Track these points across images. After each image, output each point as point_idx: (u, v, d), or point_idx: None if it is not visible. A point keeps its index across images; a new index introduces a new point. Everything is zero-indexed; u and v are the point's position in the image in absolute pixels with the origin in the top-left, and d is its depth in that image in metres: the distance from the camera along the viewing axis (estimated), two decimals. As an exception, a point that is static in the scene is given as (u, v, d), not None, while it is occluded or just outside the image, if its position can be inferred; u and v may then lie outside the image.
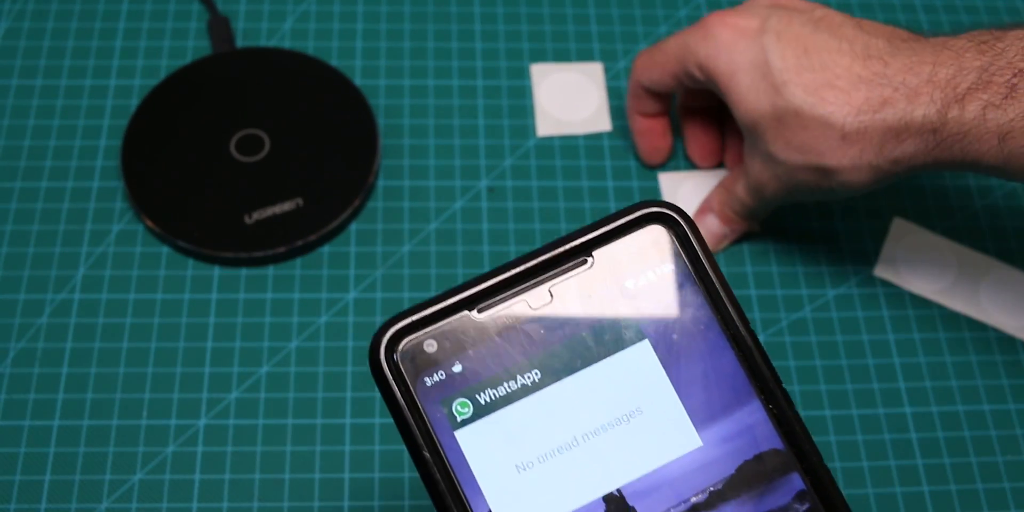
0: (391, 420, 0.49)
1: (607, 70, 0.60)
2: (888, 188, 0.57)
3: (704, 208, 0.54)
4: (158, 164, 0.54)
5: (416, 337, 0.29)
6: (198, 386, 0.50)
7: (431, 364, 0.29)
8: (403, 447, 0.49)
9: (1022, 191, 0.58)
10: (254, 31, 0.61)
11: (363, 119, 0.56)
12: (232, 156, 0.55)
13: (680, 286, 0.30)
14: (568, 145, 0.58)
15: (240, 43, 0.60)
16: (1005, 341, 0.53)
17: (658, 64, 0.52)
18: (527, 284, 0.30)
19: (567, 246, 0.30)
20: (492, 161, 0.57)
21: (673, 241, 0.30)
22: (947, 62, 0.41)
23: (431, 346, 0.29)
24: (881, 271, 0.55)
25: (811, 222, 0.56)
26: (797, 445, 0.30)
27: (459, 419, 0.29)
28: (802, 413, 0.50)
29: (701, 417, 0.30)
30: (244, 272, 0.53)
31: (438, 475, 0.28)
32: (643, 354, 0.30)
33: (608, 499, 0.29)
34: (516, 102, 0.59)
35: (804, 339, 0.52)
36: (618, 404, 0.30)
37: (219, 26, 0.60)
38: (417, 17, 0.62)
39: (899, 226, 0.56)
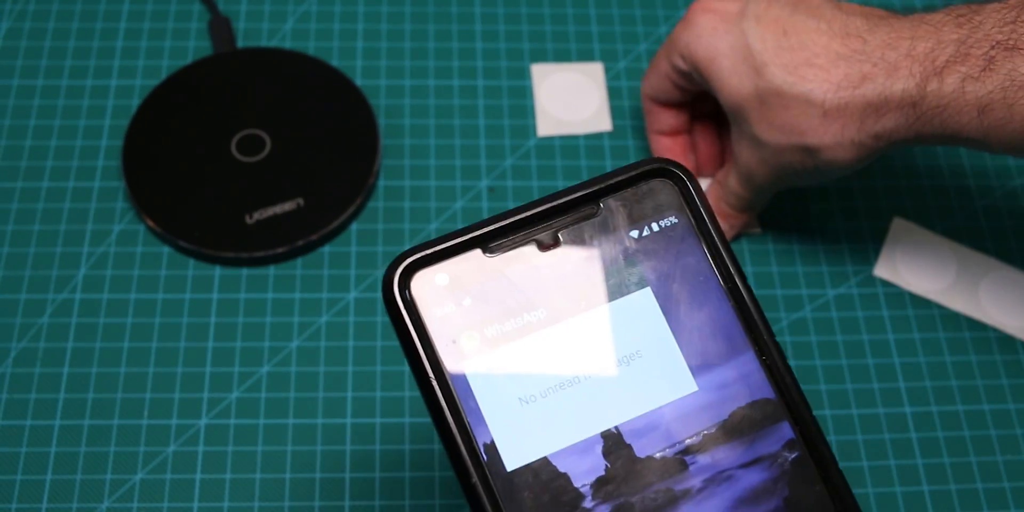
0: (391, 420, 0.49)
1: (607, 70, 0.60)
2: (888, 188, 0.57)
3: None
4: (159, 164, 0.55)
5: (429, 271, 0.30)
6: (199, 386, 0.50)
7: (442, 297, 0.30)
8: (403, 447, 0.49)
9: (1022, 191, 0.58)
10: (255, 31, 0.61)
11: (364, 119, 0.56)
12: (233, 156, 0.55)
13: (682, 239, 0.32)
14: (568, 145, 0.58)
15: (241, 43, 0.60)
16: (1005, 341, 0.53)
17: (654, 68, 0.52)
18: (537, 227, 0.31)
19: (577, 194, 0.31)
20: (493, 161, 0.57)
21: (678, 195, 0.32)
22: (925, 36, 0.42)
23: (443, 280, 0.30)
24: (881, 271, 0.55)
25: (811, 222, 0.56)
26: (788, 395, 0.31)
27: (467, 351, 0.30)
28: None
29: (697, 363, 0.31)
30: (245, 272, 0.53)
31: (444, 404, 0.29)
32: (645, 301, 0.31)
33: (606, 436, 0.30)
34: (517, 102, 0.59)
35: (804, 339, 0.53)
36: (619, 346, 0.31)
37: (220, 26, 0.60)
38: (418, 17, 0.62)
39: (899, 226, 0.56)
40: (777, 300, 0.53)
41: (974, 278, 0.54)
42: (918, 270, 0.54)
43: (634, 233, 0.32)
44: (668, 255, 0.32)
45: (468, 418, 0.30)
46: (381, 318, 0.52)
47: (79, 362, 0.51)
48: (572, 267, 0.31)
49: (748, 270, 0.54)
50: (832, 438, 0.50)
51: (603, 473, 0.30)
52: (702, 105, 0.55)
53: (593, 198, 0.31)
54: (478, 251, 0.31)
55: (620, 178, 0.31)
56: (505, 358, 0.30)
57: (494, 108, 0.59)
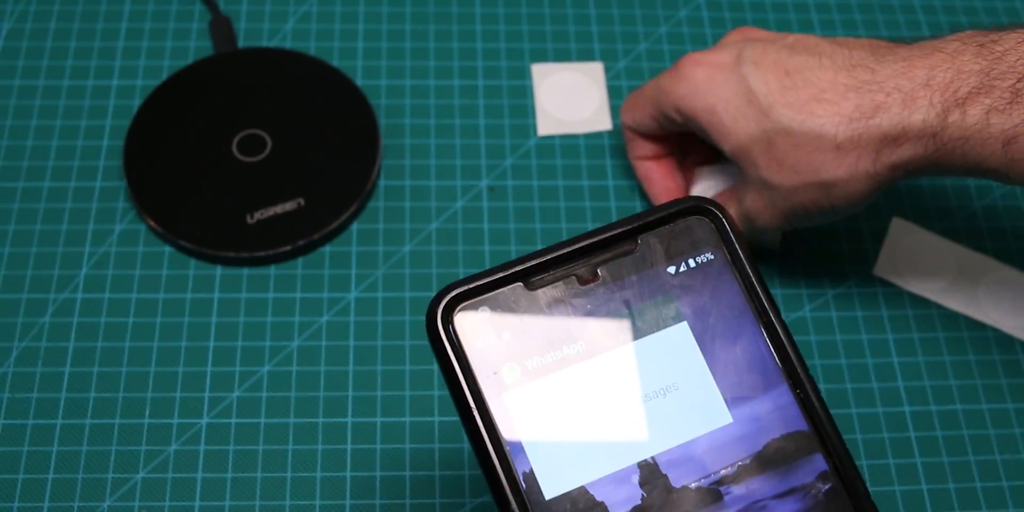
0: (392, 419, 0.50)
1: (607, 70, 0.60)
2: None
3: None
4: (160, 164, 0.55)
5: (470, 303, 0.31)
6: (200, 385, 0.50)
7: (483, 330, 0.31)
8: (403, 446, 0.49)
9: (1021, 192, 0.58)
10: (256, 31, 0.61)
11: (364, 119, 0.56)
12: (234, 156, 0.55)
13: (718, 274, 0.33)
14: (569, 144, 0.58)
15: (242, 43, 0.60)
16: (1003, 340, 0.53)
17: (638, 107, 0.52)
18: (577, 263, 0.32)
19: (616, 231, 0.32)
20: (493, 161, 0.57)
21: (714, 232, 0.33)
22: (942, 65, 0.41)
23: (484, 313, 0.31)
24: (880, 271, 0.55)
25: (811, 222, 0.56)
26: (821, 428, 0.31)
27: (507, 382, 0.31)
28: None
29: (732, 396, 0.32)
30: (246, 272, 0.53)
31: (485, 434, 0.30)
32: (681, 335, 0.32)
33: (642, 466, 0.31)
34: (517, 102, 0.59)
35: (803, 338, 0.53)
36: (656, 379, 0.32)
37: (221, 26, 0.60)
38: (418, 18, 0.62)
39: (899, 226, 0.56)
40: (776, 299, 0.54)
41: (973, 278, 0.54)
42: (917, 270, 0.55)
43: (671, 269, 0.32)
44: (704, 290, 0.32)
45: (508, 448, 0.30)
46: (381, 318, 0.52)
47: (81, 361, 0.51)
48: (610, 301, 0.32)
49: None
50: (831, 437, 0.50)
51: (639, 502, 0.31)
52: (662, 142, 0.54)
53: (632, 234, 0.32)
54: (519, 285, 0.32)
55: (658, 216, 0.32)
56: (544, 389, 0.31)
57: (494, 108, 0.59)
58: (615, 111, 0.59)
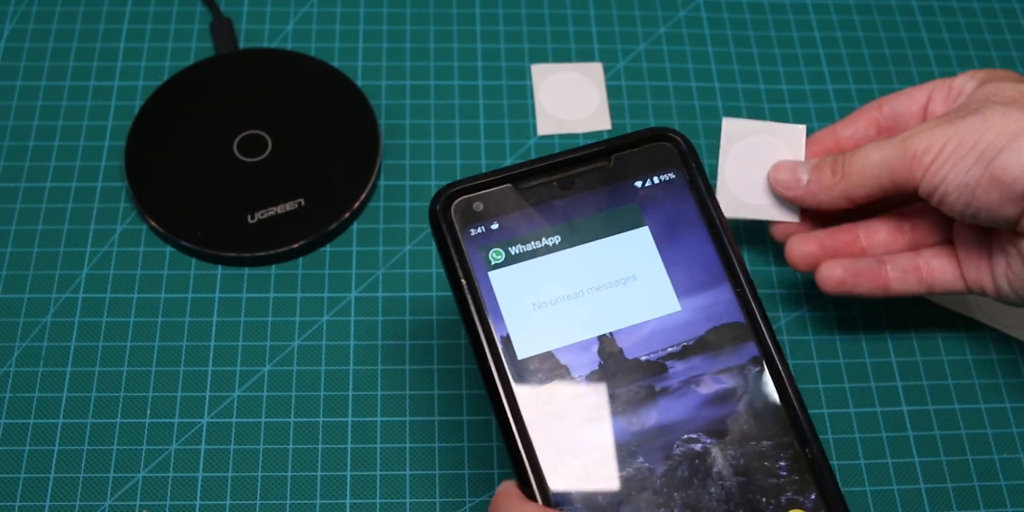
0: (392, 418, 0.50)
1: (607, 70, 0.60)
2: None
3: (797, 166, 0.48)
4: (161, 164, 0.55)
5: (467, 198, 0.38)
6: (201, 384, 0.50)
7: (476, 219, 0.37)
8: (404, 445, 0.49)
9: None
10: (257, 32, 0.61)
11: (365, 119, 0.57)
12: (235, 156, 0.55)
13: (677, 190, 0.39)
14: (568, 144, 0.58)
15: (243, 44, 0.61)
16: (1001, 340, 0.53)
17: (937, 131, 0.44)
18: (559, 172, 0.38)
19: (594, 149, 0.38)
20: (493, 161, 0.57)
21: (677, 156, 0.39)
22: None
23: (478, 206, 0.38)
24: (879, 270, 0.55)
25: (809, 222, 0.56)
26: (754, 321, 0.37)
27: (493, 263, 0.37)
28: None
29: (682, 289, 0.38)
30: (247, 271, 0.54)
31: (471, 303, 0.36)
32: (642, 236, 0.38)
33: (602, 339, 0.37)
34: (517, 102, 0.59)
35: (803, 338, 0.53)
36: (618, 270, 0.38)
37: (222, 27, 0.60)
38: (418, 18, 0.62)
39: (897, 226, 0.56)
40: (776, 299, 0.54)
41: (971, 277, 0.54)
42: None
43: (638, 183, 0.38)
44: (664, 202, 0.38)
45: (490, 316, 0.36)
46: (382, 317, 0.53)
47: (82, 361, 0.51)
48: (584, 205, 0.38)
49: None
50: (829, 436, 0.50)
51: (596, 368, 0.36)
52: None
53: (607, 153, 0.38)
54: (509, 186, 0.38)
55: (631, 139, 0.39)
56: (524, 272, 0.37)
57: (494, 108, 0.59)
58: (614, 111, 0.59)
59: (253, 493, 0.48)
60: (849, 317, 0.53)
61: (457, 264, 0.37)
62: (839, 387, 0.51)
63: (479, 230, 0.37)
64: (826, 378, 0.52)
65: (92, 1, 0.62)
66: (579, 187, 0.38)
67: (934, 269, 0.47)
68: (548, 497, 0.35)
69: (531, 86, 0.60)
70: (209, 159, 0.55)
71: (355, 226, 0.55)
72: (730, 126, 0.50)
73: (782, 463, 0.36)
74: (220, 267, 0.54)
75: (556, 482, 0.35)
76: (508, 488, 0.35)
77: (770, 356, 0.37)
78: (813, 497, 0.35)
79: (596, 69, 0.60)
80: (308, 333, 0.52)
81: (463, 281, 0.36)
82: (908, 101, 0.48)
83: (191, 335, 0.52)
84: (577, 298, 0.37)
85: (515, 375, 0.36)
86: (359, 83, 0.59)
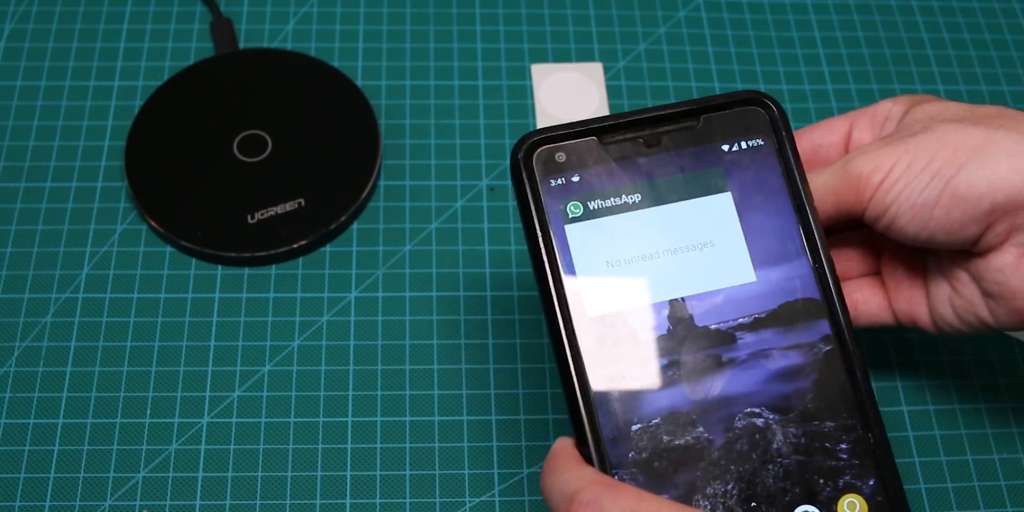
0: (392, 418, 0.50)
1: (607, 70, 0.61)
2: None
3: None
4: (161, 164, 0.55)
5: (550, 148, 0.37)
6: (201, 384, 0.51)
7: (558, 170, 0.37)
8: (405, 445, 0.49)
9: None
10: (257, 32, 0.61)
11: (365, 119, 0.57)
12: (235, 156, 0.55)
13: (765, 158, 0.37)
14: (568, 145, 0.58)
15: (243, 44, 0.61)
16: (1001, 340, 0.53)
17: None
18: (646, 128, 0.37)
19: (684, 108, 0.37)
20: (493, 160, 0.57)
21: (768, 123, 0.38)
22: None
23: (561, 157, 0.37)
24: (879, 270, 0.55)
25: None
26: (830, 299, 0.36)
27: (570, 216, 0.36)
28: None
29: (759, 260, 0.37)
30: (247, 271, 0.54)
31: (544, 254, 0.35)
32: (724, 202, 0.37)
33: (673, 303, 0.36)
34: (517, 102, 0.59)
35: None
36: (696, 234, 0.37)
37: (222, 27, 0.60)
38: (418, 18, 0.62)
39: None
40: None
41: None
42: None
43: (725, 146, 0.37)
44: (751, 169, 0.37)
45: (563, 270, 0.36)
46: (382, 317, 0.53)
47: (82, 361, 0.51)
48: (668, 165, 0.37)
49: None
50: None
51: (665, 333, 0.36)
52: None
53: (696, 113, 0.37)
54: (594, 139, 0.37)
55: (722, 101, 0.37)
56: (601, 227, 0.36)
57: (494, 108, 0.59)
58: (614, 111, 0.59)
59: (253, 493, 0.48)
60: (849, 317, 0.54)
61: (535, 215, 0.36)
62: (839, 387, 0.52)
63: (559, 181, 0.36)
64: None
65: (92, 1, 0.62)
66: (665, 146, 0.37)
67: (858, 301, 0.45)
68: (604, 459, 0.34)
69: (531, 86, 0.60)
70: (209, 159, 0.55)
71: (355, 226, 0.55)
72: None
73: (843, 446, 0.35)
74: (220, 267, 0.54)
75: (613, 443, 0.34)
76: (565, 446, 0.34)
77: (842, 335, 0.36)
78: (872, 483, 0.35)
79: (596, 69, 0.60)
80: (308, 333, 0.52)
81: (539, 233, 0.35)
82: (827, 132, 0.44)
83: (191, 335, 0.52)
84: (652, 259, 0.36)
85: (583, 333, 0.35)
86: (359, 83, 0.59)
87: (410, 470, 0.49)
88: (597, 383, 0.35)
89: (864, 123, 0.44)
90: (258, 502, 0.48)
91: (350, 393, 0.51)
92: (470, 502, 0.48)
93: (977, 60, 0.62)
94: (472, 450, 0.49)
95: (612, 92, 0.60)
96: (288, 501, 0.48)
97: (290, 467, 0.49)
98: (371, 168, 0.55)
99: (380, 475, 0.49)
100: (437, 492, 0.48)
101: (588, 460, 0.34)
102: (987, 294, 0.40)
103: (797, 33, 0.63)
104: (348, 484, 0.48)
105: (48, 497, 0.47)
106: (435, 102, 0.59)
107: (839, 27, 0.63)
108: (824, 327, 0.36)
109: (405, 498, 0.48)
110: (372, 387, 0.51)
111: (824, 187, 0.40)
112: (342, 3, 0.62)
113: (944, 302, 0.42)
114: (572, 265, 0.36)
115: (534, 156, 0.37)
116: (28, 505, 0.47)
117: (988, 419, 0.51)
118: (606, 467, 0.34)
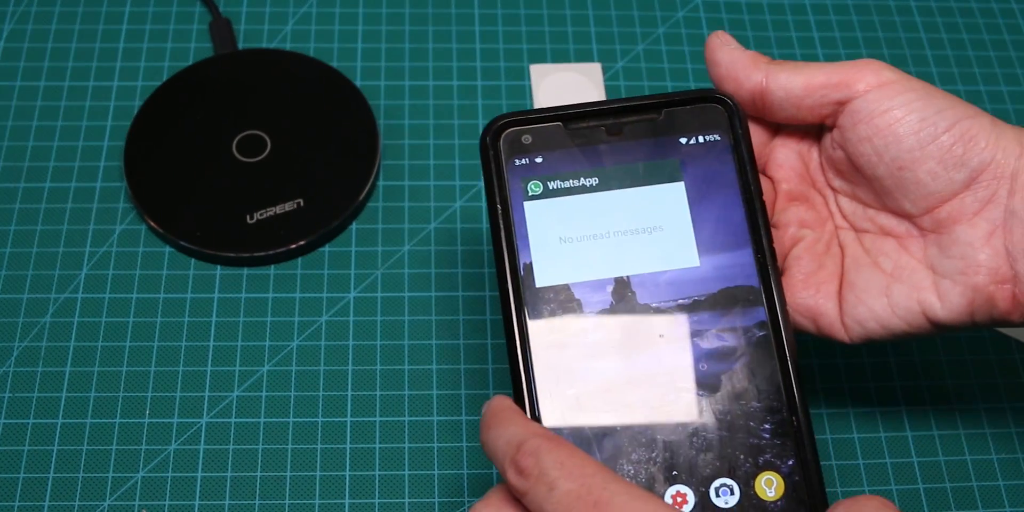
0: (391, 418, 0.50)
1: (605, 70, 0.61)
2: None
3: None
4: (160, 164, 0.55)
5: (518, 130, 0.39)
6: (200, 384, 0.51)
7: (523, 151, 0.39)
8: (403, 446, 0.49)
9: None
10: (256, 33, 0.61)
11: (364, 120, 0.57)
12: (234, 156, 0.55)
13: (720, 152, 0.39)
14: (567, 146, 0.58)
15: (242, 45, 0.61)
16: (1000, 341, 0.53)
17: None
18: (610, 117, 0.39)
19: (647, 101, 0.39)
20: (491, 161, 0.57)
21: (726, 119, 0.39)
22: None
23: (527, 139, 0.39)
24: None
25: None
26: (768, 288, 0.38)
27: (530, 194, 0.39)
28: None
29: (704, 247, 0.38)
30: (246, 271, 0.54)
31: (502, 227, 0.38)
32: (676, 191, 0.39)
33: (617, 280, 0.38)
34: (516, 102, 0.59)
35: (801, 337, 0.53)
36: (647, 218, 0.39)
37: (221, 28, 0.60)
38: (417, 19, 0.62)
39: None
40: (774, 299, 0.54)
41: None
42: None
43: (683, 139, 0.39)
44: (704, 162, 0.39)
45: (518, 242, 0.38)
46: (381, 317, 0.53)
47: (81, 361, 0.51)
48: (627, 153, 0.39)
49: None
50: (828, 436, 0.50)
51: (607, 307, 0.38)
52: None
53: (659, 106, 0.39)
54: (559, 124, 0.39)
55: (683, 97, 0.39)
56: (557, 206, 0.38)
57: (493, 108, 0.59)
58: (613, 112, 0.59)
59: (252, 493, 0.48)
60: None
61: (496, 190, 0.38)
62: (838, 387, 0.52)
63: (523, 161, 0.39)
64: (824, 378, 0.52)
65: (91, 1, 0.62)
66: (626, 135, 0.39)
67: None
68: (539, 419, 0.36)
69: (530, 86, 0.60)
70: (208, 159, 0.55)
71: (354, 226, 0.55)
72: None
73: (767, 426, 0.37)
74: (219, 267, 0.54)
75: (548, 407, 0.36)
76: (506, 402, 0.36)
77: (776, 323, 0.37)
78: (791, 462, 0.36)
79: (595, 69, 0.61)
80: (307, 333, 0.52)
81: (499, 207, 0.38)
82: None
83: (190, 335, 0.52)
84: (602, 239, 0.38)
85: (530, 301, 0.37)
86: (358, 83, 0.59)
87: (409, 470, 0.49)
88: (538, 348, 0.37)
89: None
90: (257, 502, 0.48)
91: (349, 393, 0.51)
92: (469, 502, 0.48)
93: (975, 60, 0.62)
94: (471, 450, 0.49)
95: (611, 92, 0.60)
96: (287, 501, 0.48)
97: (289, 467, 0.49)
98: (370, 168, 0.55)
99: (379, 475, 0.49)
100: (436, 492, 0.48)
101: None
102: (943, 275, 0.39)
103: (796, 34, 0.63)
104: (347, 484, 0.48)
105: (47, 497, 0.47)
106: (434, 102, 0.59)
107: (837, 28, 0.63)
108: (760, 314, 0.38)
109: (404, 498, 0.48)
110: (371, 387, 0.51)
111: (812, 71, 0.39)
112: (341, 3, 0.62)
113: (874, 293, 0.40)
114: (527, 238, 0.38)
115: (502, 136, 0.39)
116: (27, 505, 0.47)
117: (987, 419, 0.51)
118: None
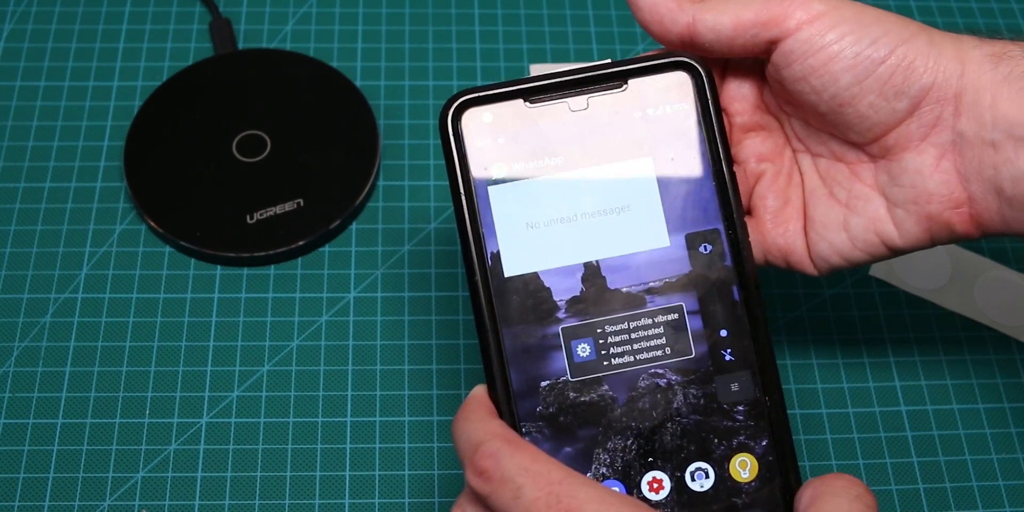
0: (391, 418, 0.50)
1: (606, 71, 0.61)
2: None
3: None
4: (160, 165, 0.55)
5: (477, 110, 0.37)
6: (200, 384, 0.51)
7: (483, 132, 0.37)
8: (403, 445, 0.49)
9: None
10: (256, 33, 0.61)
11: (364, 119, 0.57)
12: (234, 156, 0.55)
13: (687, 123, 0.37)
14: (567, 146, 0.58)
15: (242, 45, 0.61)
16: (999, 340, 0.53)
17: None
18: (572, 91, 0.37)
19: (610, 70, 0.37)
20: (491, 161, 0.57)
21: (693, 87, 0.37)
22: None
23: (488, 118, 0.37)
24: (877, 271, 0.55)
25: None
26: (739, 265, 0.37)
27: (493, 178, 0.37)
28: (799, 411, 0.51)
29: (674, 225, 0.37)
30: (246, 271, 0.54)
31: (467, 215, 0.36)
32: (644, 166, 0.37)
33: (587, 266, 0.37)
34: (515, 103, 0.59)
35: (801, 338, 0.53)
36: (614, 198, 0.37)
37: (221, 28, 0.60)
38: (417, 19, 0.62)
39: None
40: (774, 299, 0.54)
41: (968, 278, 0.55)
42: (913, 270, 0.55)
43: (650, 110, 0.37)
44: (672, 134, 0.37)
45: (483, 230, 0.36)
46: (381, 317, 0.53)
47: (81, 361, 0.51)
48: (593, 128, 0.37)
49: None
50: (828, 436, 0.50)
51: (578, 294, 0.37)
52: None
53: (623, 76, 0.37)
54: (521, 101, 0.37)
55: (647, 64, 0.37)
56: (522, 190, 0.37)
57: (493, 109, 0.59)
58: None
59: (252, 493, 0.48)
60: (847, 318, 0.54)
61: (459, 176, 0.36)
62: (838, 387, 0.52)
63: (485, 142, 0.37)
64: (824, 378, 0.52)
65: (91, 1, 0.62)
66: (590, 109, 0.37)
67: None
68: (514, 412, 0.36)
69: (530, 86, 0.60)
70: (208, 159, 0.55)
71: (354, 226, 0.55)
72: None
73: (740, 408, 0.36)
74: (219, 267, 0.54)
75: (522, 397, 0.36)
76: (480, 395, 0.36)
77: (750, 302, 0.37)
78: (764, 443, 0.36)
79: (595, 69, 0.61)
80: (307, 333, 0.52)
81: (462, 194, 0.36)
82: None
83: (190, 335, 0.52)
84: (570, 222, 0.37)
85: (498, 291, 0.36)
86: (358, 83, 0.59)
87: (409, 470, 0.49)
88: (510, 340, 0.36)
89: None
90: (257, 502, 0.48)
91: (349, 393, 0.51)
92: (469, 502, 0.48)
93: (975, 60, 0.62)
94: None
95: (611, 92, 0.60)
96: (287, 501, 0.48)
97: (289, 467, 0.49)
98: (370, 168, 0.55)
99: (379, 475, 0.49)
100: (436, 492, 0.48)
101: (499, 411, 0.36)
102: (896, 203, 0.39)
103: (796, 33, 0.63)
104: (347, 484, 0.48)
105: (47, 497, 0.47)
106: (434, 102, 0.59)
107: (837, 28, 0.63)
108: (734, 292, 0.37)
109: (404, 498, 0.48)
110: (371, 387, 0.51)
111: (739, 9, 0.38)
112: (341, 3, 0.62)
113: (833, 228, 0.40)
114: (493, 226, 0.37)
115: (461, 118, 0.37)
116: (27, 505, 0.47)
117: (986, 419, 0.51)
118: (515, 420, 0.36)
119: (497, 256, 0.37)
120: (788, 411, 0.37)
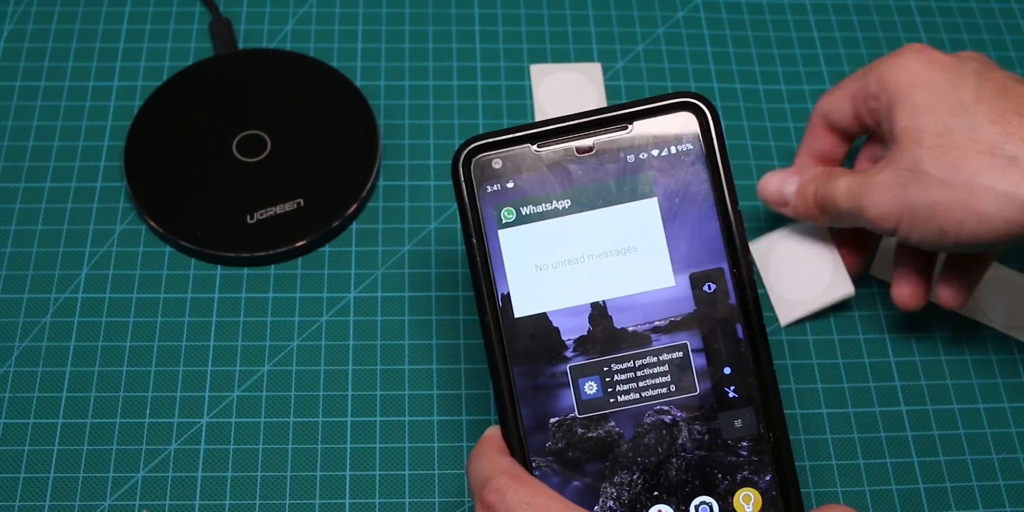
0: (391, 418, 0.50)
1: (605, 70, 0.61)
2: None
3: (796, 171, 0.50)
4: (161, 164, 0.55)
5: (488, 155, 0.38)
6: (200, 384, 0.51)
7: (493, 177, 0.38)
8: (404, 445, 0.49)
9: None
10: (256, 33, 0.61)
11: (364, 119, 0.57)
12: (234, 156, 0.55)
13: (693, 163, 0.38)
14: (567, 145, 0.58)
15: (242, 45, 0.61)
16: (999, 340, 0.53)
17: (840, 86, 0.50)
18: (578, 134, 0.38)
19: (616, 113, 0.38)
20: (492, 161, 0.57)
21: (698, 128, 0.38)
22: None
23: (497, 164, 0.38)
24: (877, 271, 0.55)
25: (808, 222, 0.56)
26: (744, 304, 0.38)
27: (504, 221, 0.38)
28: (798, 412, 0.51)
29: (680, 265, 0.38)
30: (246, 271, 0.54)
31: (478, 258, 0.38)
32: (649, 208, 0.38)
33: (594, 306, 0.38)
34: (515, 102, 0.59)
35: (801, 338, 0.53)
36: (621, 239, 0.38)
37: (221, 28, 0.60)
38: (417, 19, 0.62)
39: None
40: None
41: (970, 277, 0.54)
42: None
43: (654, 152, 0.38)
44: (678, 175, 0.38)
45: (494, 273, 0.38)
46: (381, 317, 0.53)
47: (81, 361, 0.51)
48: (599, 170, 0.38)
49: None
50: (828, 436, 0.50)
51: (585, 333, 0.38)
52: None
53: (627, 118, 0.38)
54: (529, 145, 0.38)
55: (652, 106, 0.38)
56: (531, 233, 0.38)
57: (493, 108, 0.59)
58: (613, 112, 0.59)
59: (252, 493, 0.48)
60: (847, 317, 0.54)
61: (471, 221, 0.38)
62: (838, 387, 0.52)
63: (495, 188, 0.38)
64: (825, 378, 0.52)
65: (91, 1, 0.62)
66: (596, 152, 0.38)
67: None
68: (524, 448, 0.37)
69: (530, 86, 0.60)
70: (208, 159, 0.55)
71: (354, 226, 0.55)
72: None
73: (744, 443, 0.37)
74: (219, 267, 0.54)
75: (533, 433, 0.37)
76: (493, 434, 0.38)
77: (754, 340, 0.37)
78: (768, 478, 0.37)
79: (595, 69, 0.61)
80: (307, 333, 0.52)
81: (474, 239, 0.38)
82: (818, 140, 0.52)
83: (190, 335, 0.52)
84: (577, 263, 0.38)
85: (509, 332, 0.38)
86: (358, 83, 0.59)
87: (409, 470, 0.49)
88: (521, 379, 0.37)
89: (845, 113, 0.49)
90: (257, 502, 0.48)
91: (349, 393, 0.51)
92: (469, 502, 0.48)
93: (975, 60, 0.62)
94: (471, 450, 0.49)
95: (611, 92, 0.60)
96: (287, 501, 0.48)
97: (289, 467, 0.49)
98: (370, 168, 0.55)
99: (379, 475, 0.49)
100: (436, 492, 0.48)
101: (511, 447, 0.37)
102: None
103: (796, 34, 0.63)
104: (347, 484, 0.48)
105: (48, 497, 0.47)
106: (434, 102, 0.59)
107: (838, 28, 0.63)
108: (738, 330, 0.38)
109: (404, 498, 0.48)
110: (371, 387, 0.51)
111: (851, 200, 0.46)
112: (341, 3, 0.62)
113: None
114: (503, 268, 0.38)
115: (472, 163, 0.38)
116: (28, 505, 0.47)
117: (987, 419, 0.51)
118: (526, 455, 0.37)
119: (507, 298, 0.38)
120: (788, 411, 0.37)
